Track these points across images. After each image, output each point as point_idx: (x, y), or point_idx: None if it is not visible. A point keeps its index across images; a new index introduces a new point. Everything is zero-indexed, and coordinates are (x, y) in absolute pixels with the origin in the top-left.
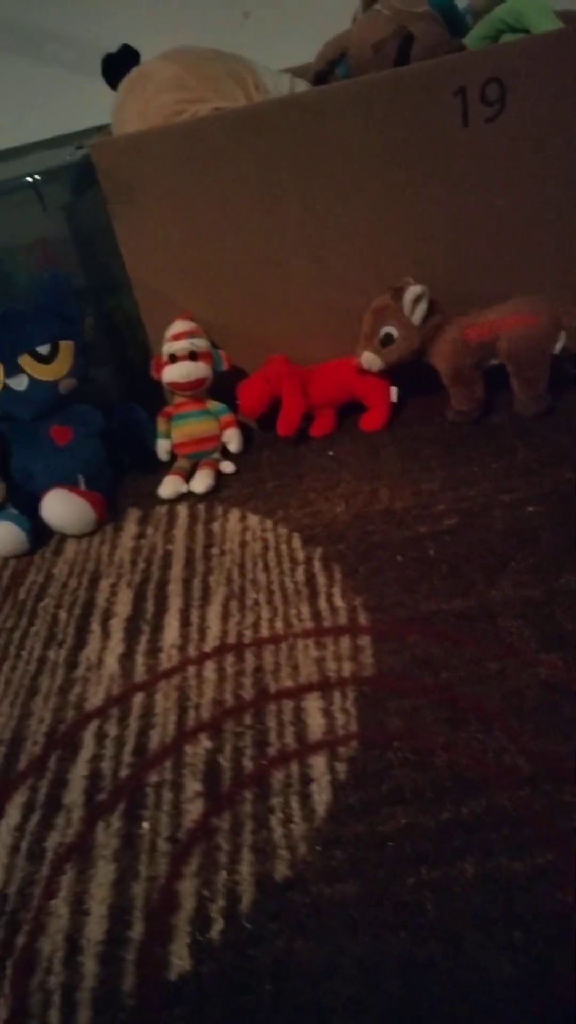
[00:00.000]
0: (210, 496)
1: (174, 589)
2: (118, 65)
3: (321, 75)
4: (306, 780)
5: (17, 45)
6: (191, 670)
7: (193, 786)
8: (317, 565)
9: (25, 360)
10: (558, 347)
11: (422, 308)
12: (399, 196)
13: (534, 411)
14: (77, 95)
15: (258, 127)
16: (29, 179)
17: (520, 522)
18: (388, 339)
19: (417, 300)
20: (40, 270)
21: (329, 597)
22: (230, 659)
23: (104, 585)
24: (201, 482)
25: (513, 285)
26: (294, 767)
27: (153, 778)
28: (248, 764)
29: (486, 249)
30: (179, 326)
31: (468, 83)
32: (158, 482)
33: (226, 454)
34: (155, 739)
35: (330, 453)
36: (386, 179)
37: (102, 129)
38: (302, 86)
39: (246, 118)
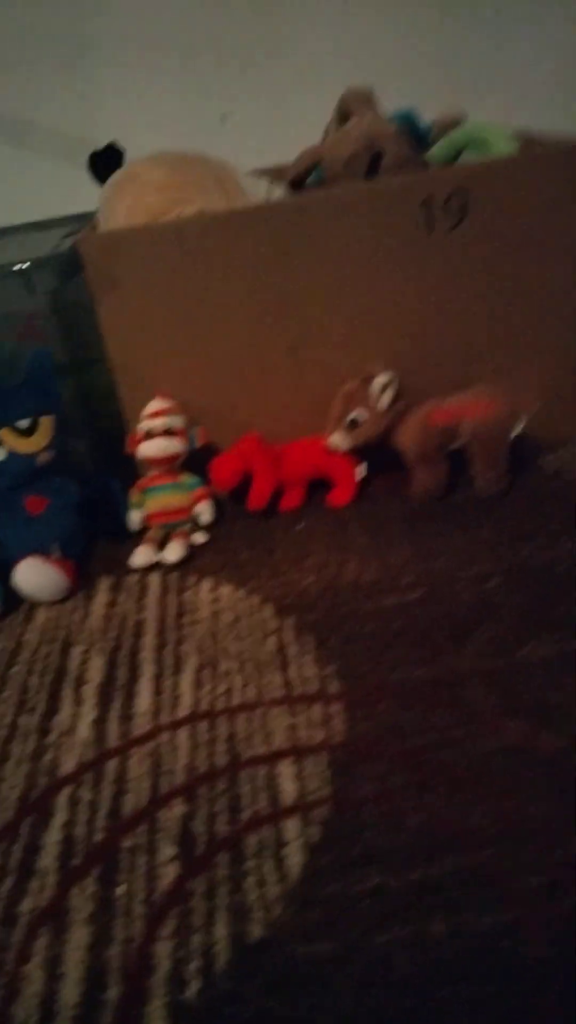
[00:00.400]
0: (182, 566)
1: (146, 657)
2: (104, 161)
3: (297, 182)
4: (280, 843)
5: (6, 133)
6: (164, 737)
7: (167, 850)
8: (289, 634)
9: (5, 433)
10: (516, 432)
11: (389, 394)
12: (370, 293)
13: (495, 490)
14: (62, 182)
15: (241, 230)
16: (19, 267)
17: (483, 595)
18: (355, 423)
19: (384, 387)
20: (22, 340)
21: (300, 666)
22: (203, 726)
23: (76, 652)
24: (173, 552)
25: (471, 376)
26: (268, 831)
27: (128, 842)
28: (222, 828)
29: (447, 343)
30: (156, 404)
31: (433, 196)
32: (130, 552)
33: (198, 526)
34: (129, 804)
35: (300, 527)
36: (358, 278)
37: (85, 217)
38: (278, 191)
39: (229, 221)
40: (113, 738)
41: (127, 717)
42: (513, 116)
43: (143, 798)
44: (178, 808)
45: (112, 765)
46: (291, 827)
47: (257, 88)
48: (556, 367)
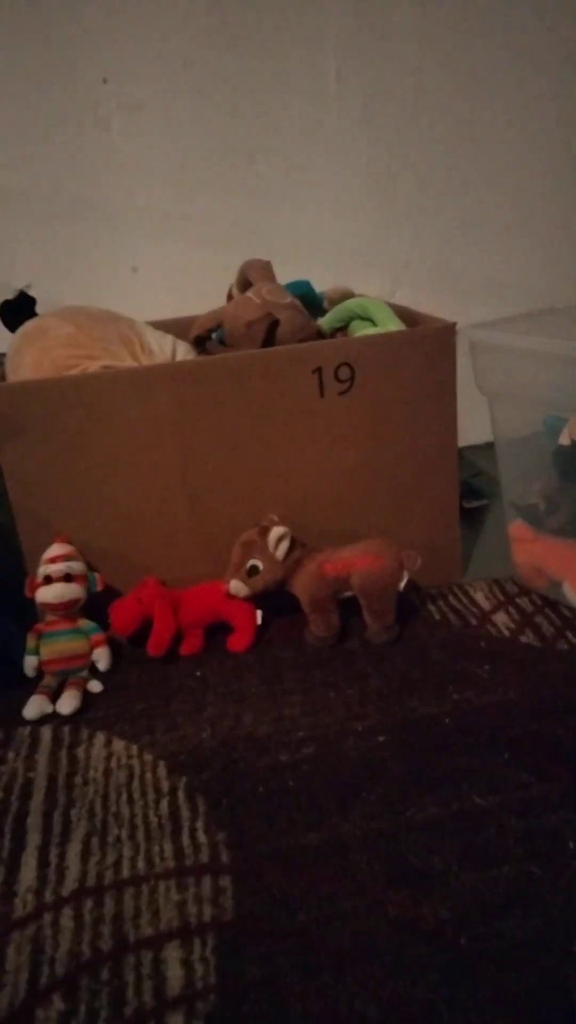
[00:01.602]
0: (76, 717)
1: (33, 823)
2: (16, 309)
3: (200, 339)
4: None
5: None
6: (47, 917)
7: None
8: (181, 796)
9: None
10: (402, 585)
11: (284, 545)
12: (267, 449)
13: (384, 639)
14: None
15: (143, 386)
16: None
17: (370, 752)
18: (254, 570)
19: (280, 539)
20: None
21: (192, 832)
22: (89, 904)
23: None
24: (67, 703)
25: (360, 528)
26: None
27: None
28: None
29: (337, 496)
30: (56, 549)
31: (324, 364)
32: (22, 701)
33: (95, 672)
34: (3, 1002)
35: (198, 673)
36: (256, 435)
37: None
38: (183, 348)
39: (132, 378)
40: None
41: (9, 895)
42: (396, 291)
43: (20, 994)
44: (57, 1005)
45: None
46: (175, 1023)
47: (167, 245)
48: (438, 520)
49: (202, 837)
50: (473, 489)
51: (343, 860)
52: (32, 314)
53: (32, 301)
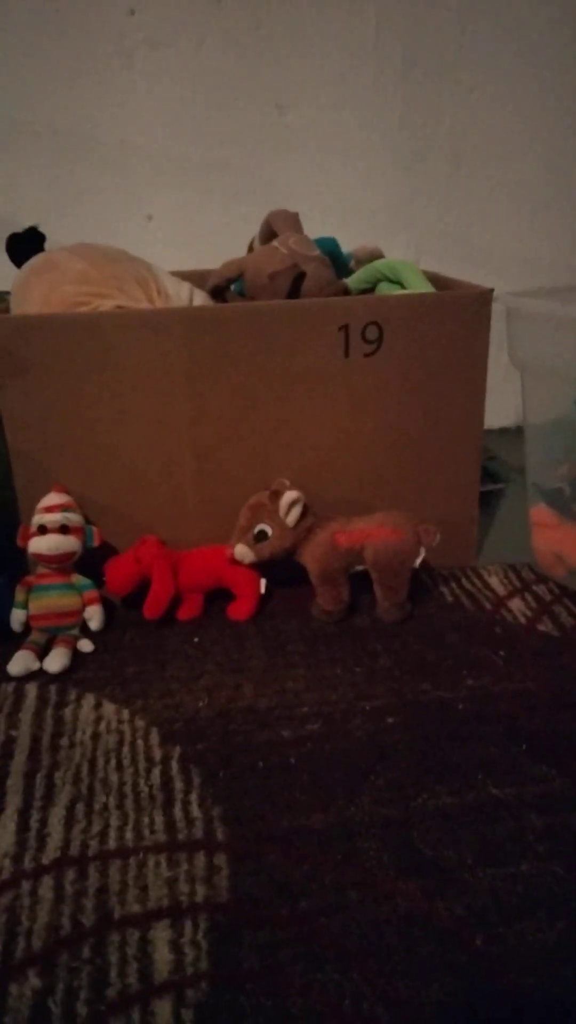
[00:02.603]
0: (64, 676)
1: (14, 784)
2: (23, 244)
3: (218, 289)
4: None
5: None
6: (25, 886)
7: None
8: (175, 766)
9: None
10: (418, 561)
11: (296, 511)
12: (283, 408)
13: (395, 617)
14: None
15: (157, 330)
16: None
17: (380, 733)
18: (262, 536)
19: (292, 504)
20: None
21: (185, 805)
22: (71, 875)
23: None
24: (55, 660)
25: (374, 499)
26: (135, 1014)
27: None
28: (82, 1010)
29: (353, 464)
30: (53, 498)
31: (352, 322)
32: (8, 656)
33: (86, 631)
34: None
35: (195, 639)
36: (272, 393)
37: None
38: (200, 297)
39: (146, 320)
40: None
41: None
42: (421, 258)
43: None
44: (32, 981)
45: None
46: (162, 1010)
47: (185, 194)
48: (457, 498)
49: (196, 811)
50: (489, 472)
51: (349, 846)
52: (41, 250)
53: (41, 237)
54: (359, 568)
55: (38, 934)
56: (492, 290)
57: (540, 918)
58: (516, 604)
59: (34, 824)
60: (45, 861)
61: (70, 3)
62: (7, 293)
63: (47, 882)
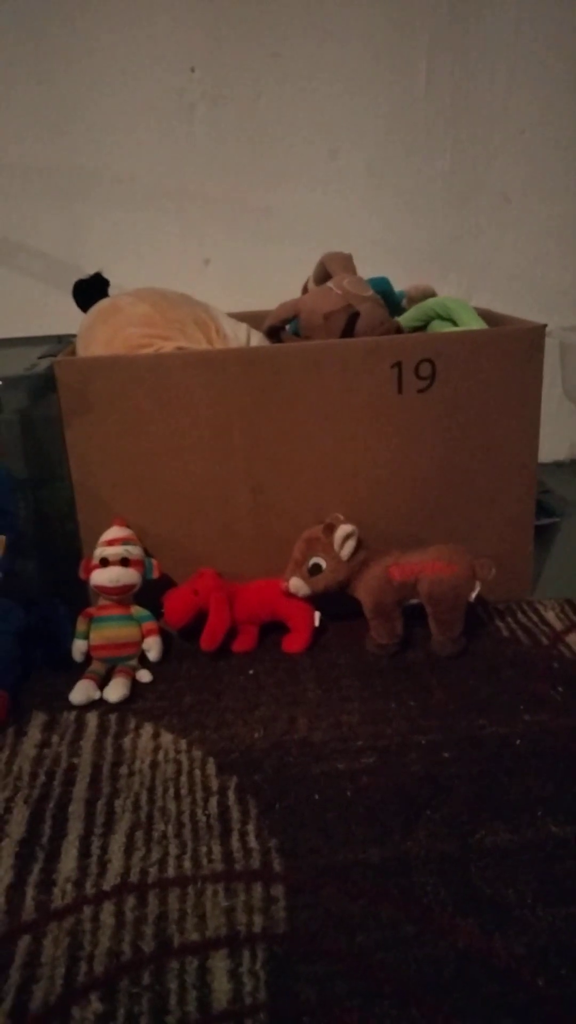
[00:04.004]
0: (123, 706)
1: (75, 811)
2: (89, 290)
3: (274, 330)
4: None
5: None
6: (87, 911)
7: None
8: (232, 797)
9: None
10: (474, 595)
11: (351, 545)
12: (337, 444)
13: (449, 652)
14: (43, 304)
15: (216, 370)
16: None
17: (435, 767)
18: (317, 569)
19: (347, 538)
20: None
21: (243, 835)
22: (131, 901)
23: None
24: (115, 691)
25: (426, 535)
26: None
27: None
28: None
29: (407, 500)
30: (115, 532)
31: (404, 359)
32: (69, 685)
33: (144, 662)
34: (38, 997)
35: (250, 671)
36: (326, 428)
37: (61, 339)
38: (257, 338)
39: (207, 360)
40: (29, 909)
41: (48, 883)
42: (472, 296)
43: (56, 989)
44: (95, 1006)
45: (24, 943)
46: None
47: (241, 238)
48: (512, 532)
49: (253, 842)
50: (543, 506)
51: (406, 881)
52: (105, 295)
53: (106, 283)
54: (413, 601)
55: (99, 959)
56: (545, 325)
57: None
58: (573, 639)
59: (95, 851)
60: (106, 887)
61: (135, 63)
62: (74, 336)
63: (108, 908)
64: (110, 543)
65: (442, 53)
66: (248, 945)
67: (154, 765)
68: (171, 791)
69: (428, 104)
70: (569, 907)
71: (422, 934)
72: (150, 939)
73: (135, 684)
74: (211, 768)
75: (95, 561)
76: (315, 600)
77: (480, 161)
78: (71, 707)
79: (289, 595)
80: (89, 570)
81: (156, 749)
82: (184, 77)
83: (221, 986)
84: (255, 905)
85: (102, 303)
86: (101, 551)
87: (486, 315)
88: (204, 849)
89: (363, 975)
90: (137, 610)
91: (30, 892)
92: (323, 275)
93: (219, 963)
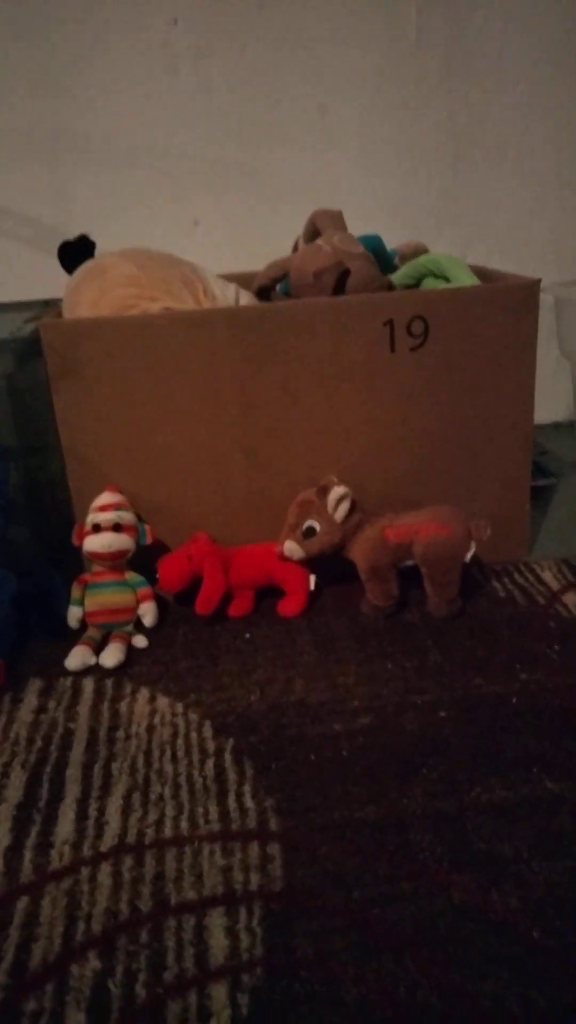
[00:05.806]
0: (119, 671)
1: (72, 774)
2: (74, 252)
3: (264, 290)
4: (205, 1014)
5: None
6: (84, 872)
7: (76, 1017)
8: (228, 758)
9: None
10: (469, 556)
11: (344, 507)
12: (329, 404)
13: (445, 613)
14: (29, 268)
15: (205, 330)
16: None
17: (432, 727)
18: (311, 532)
19: (340, 500)
20: None
21: (239, 796)
22: (128, 862)
23: None
24: (111, 656)
25: (422, 495)
26: (192, 997)
27: (31, 1005)
28: (141, 992)
29: (403, 458)
30: (106, 497)
31: (396, 317)
32: (65, 651)
33: (140, 627)
34: (37, 955)
35: (247, 635)
36: (318, 389)
37: (48, 303)
38: (246, 298)
39: (194, 321)
40: (27, 871)
41: (45, 846)
42: (467, 253)
43: (54, 948)
44: (93, 963)
45: (23, 904)
46: (218, 994)
47: (231, 198)
48: (508, 493)
49: (249, 802)
50: (540, 467)
51: (403, 838)
52: (91, 257)
53: (92, 245)
54: (408, 563)
55: (97, 918)
56: (539, 280)
57: None
58: (570, 598)
59: (92, 813)
60: (103, 849)
61: (116, 14)
62: (60, 300)
63: (106, 869)
64: (102, 509)
65: (433, 2)
66: (245, 903)
67: (151, 729)
68: (168, 754)
69: (420, 56)
70: (564, 861)
71: (418, 889)
72: (148, 898)
73: (131, 649)
74: (208, 731)
75: (88, 527)
76: (310, 563)
77: (474, 115)
78: (67, 673)
79: (284, 559)
80: (82, 536)
81: (152, 713)
82: (167, 29)
83: (218, 943)
84: (252, 863)
85: (87, 264)
86: (93, 517)
87: (481, 272)
88: (201, 810)
89: (359, 930)
90: (132, 576)
91: (28, 855)
92: (313, 233)
93: (216, 920)
